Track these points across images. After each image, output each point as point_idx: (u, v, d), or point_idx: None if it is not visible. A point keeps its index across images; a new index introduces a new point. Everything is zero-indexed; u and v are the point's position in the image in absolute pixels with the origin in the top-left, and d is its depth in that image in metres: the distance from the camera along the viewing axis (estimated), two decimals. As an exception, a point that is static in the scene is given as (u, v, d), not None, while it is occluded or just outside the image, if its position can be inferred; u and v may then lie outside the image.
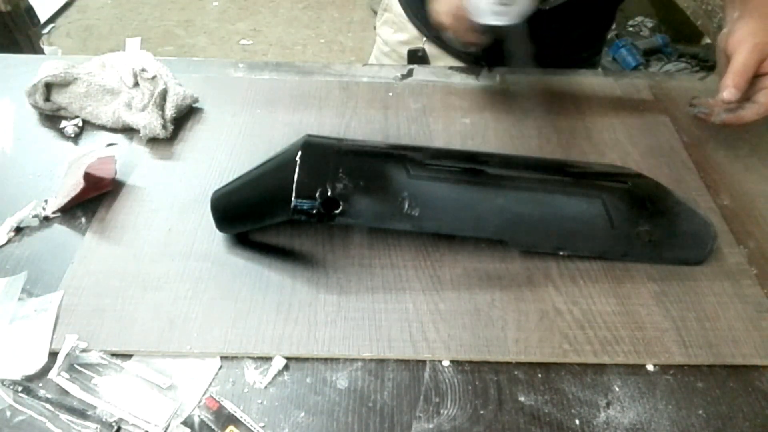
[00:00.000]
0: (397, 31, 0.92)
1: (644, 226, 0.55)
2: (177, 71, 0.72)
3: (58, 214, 0.58)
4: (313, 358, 0.47)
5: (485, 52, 0.79)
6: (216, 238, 0.56)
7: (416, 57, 0.88)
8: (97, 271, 0.53)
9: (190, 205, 0.59)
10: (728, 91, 0.59)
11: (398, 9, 0.91)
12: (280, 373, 0.46)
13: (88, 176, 0.56)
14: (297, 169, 0.49)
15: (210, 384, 0.45)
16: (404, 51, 0.90)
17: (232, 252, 0.55)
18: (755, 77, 0.60)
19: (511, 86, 0.77)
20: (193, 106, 0.70)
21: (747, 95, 0.61)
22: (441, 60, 0.88)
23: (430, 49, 0.88)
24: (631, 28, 2.42)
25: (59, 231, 0.57)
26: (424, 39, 0.88)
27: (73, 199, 0.57)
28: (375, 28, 1.00)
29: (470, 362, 0.48)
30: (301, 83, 0.76)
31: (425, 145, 0.67)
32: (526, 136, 0.69)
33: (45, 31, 2.53)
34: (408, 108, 0.73)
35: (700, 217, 0.57)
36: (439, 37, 0.87)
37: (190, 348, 0.47)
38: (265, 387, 0.46)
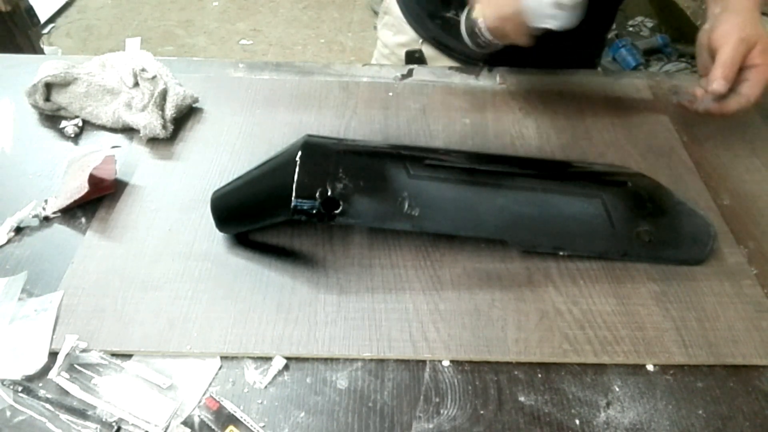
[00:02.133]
0: (396, 34, 0.92)
1: (644, 226, 0.55)
2: (177, 71, 0.72)
3: (58, 214, 0.58)
4: (313, 358, 0.47)
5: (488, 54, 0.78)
6: (216, 238, 0.56)
7: (413, 58, 0.88)
8: (97, 271, 0.53)
9: (190, 205, 0.59)
10: (718, 83, 0.60)
11: (397, 11, 0.91)
12: (280, 373, 0.46)
13: (91, 178, 0.56)
14: (297, 169, 0.49)
15: (210, 384, 0.46)
16: (403, 53, 0.91)
17: (232, 252, 0.55)
18: (739, 70, 0.61)
19: (511, 86, 0.77)
20: (193, 106, 0.70)
21: (730, 87, 0.62)
22: (438, 61, 0.88)
23: (427, 50, 0.89)
24: (631, 28, 2.43)
25: (59, 231, 0.57)
26: (421, 41, 0.88)
27: (75, 202, 0.57)
28: (376, 30, 1.00)
29: (470, 362, 0.48)
30: (301, 83, 0.76)
31: (425, 145, 0.67)
32: (526, 136, 0.69)
33: (45, 31, 2.53)
34: (408, 108, 0.73)
35: (700, 217, 0.57)
36: (435, 38, 0.87)
37: (190, 348, 0.47)
38: (265, 387, 0.46)
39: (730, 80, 0.60)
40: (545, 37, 0.61)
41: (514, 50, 0.64)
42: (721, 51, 0.60)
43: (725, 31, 0.61)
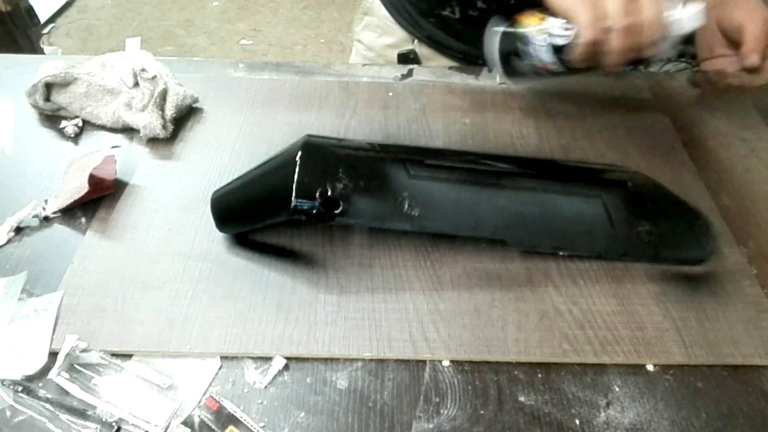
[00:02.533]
0: (382, 35, 0.89)
1: (644, 226, 0.55)
2: (177, 71, 0.72)
3: (58, 214, 0.58)
4: (313, 358, 0.47)
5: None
6: (216, 238, 0.56)
7: (408, 60, 0.87)
8: (97, 271, 0.53)
9: (190, 205, 0.59)
10: (753, 57, 0.63)
11: (382, 12, 0.88)
12: (280, 373, 0.46)
13: (91, 178, 0.56)
14: (297, 169, 0.49)
15: (210, 384, 0.46)
16: (391, 54, 0.88)
17: (232, 252, 0.55)
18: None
19: (511, 86, 0.77)
20: (193, 106, 0.70)
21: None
22: (433, 61, 0.87)
23: (421, 50, 0.87)
24: (631, 28, 2.42)
25: (59, 231, 0.57)
26: (415, 41, 0.86)
27: (75, 202, 0.57)
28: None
29: (470, 362, 0.48)
30: (301, 83, 0.76)
31: (425, 145, 0.67)
32: (526, 136, 0.69)
33: (45, 31, 2.53)
34: (408, 108, 0.73)
35: (700, 217, 0.57)
36: (430, 37, 0.86)
37: (190, 348, 0.47)
38: (265, 387, 0.46)
39: (762, 54, 0.62)
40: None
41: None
42: (749, 28, 0.62)
43: (748, 10, 0.63)
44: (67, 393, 0.44)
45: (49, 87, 0.67)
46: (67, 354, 0.46)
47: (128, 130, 0.67)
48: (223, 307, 0.50)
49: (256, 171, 0.55)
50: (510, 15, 0.61)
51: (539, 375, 0.47)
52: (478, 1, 0.78)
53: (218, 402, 0.44)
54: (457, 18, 0.81)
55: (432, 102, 0.74)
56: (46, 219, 0.57)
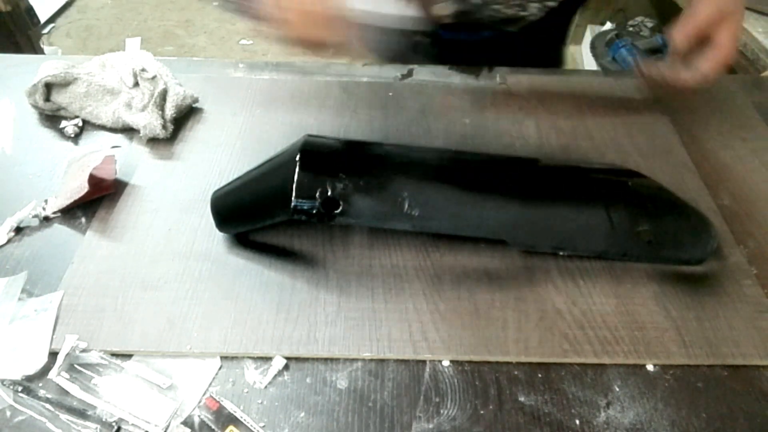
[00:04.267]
0: None
1: (644, 226, 0.55)
2: (177, 71, 0.72)
3: (58, 214, 0.58)
4: (313, 358, 0.47)
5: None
6: (216, 238, 0.56)
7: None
8: (97, 271, 0.53)
9: (190, 205, 0.59)
10: (677, 33, 0.58)
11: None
12: (280, 373, 0.46)
13: (91, 178, 0.56)
14: (297, 169, 0.49)
15: (210, 384, 0.46)
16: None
17: (232, 252, 0.55)
18: (700, 43, 0.59)
19: (511, 86, 0.77)
20: (193, 106, 0.70)
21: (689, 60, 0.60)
22: None
23: None
24: (631, 28, 2.42)
25: (59, 231, 0.57)
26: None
27: (75, 202, 0.57)
28: None
29: (470, 362, 0.48)
30: (301, 83, 0.76)
31: (425, 145, 0.67)
32: (526, 136, 0.69)
33: (45, 31, 2.53)
34: (408, 108, 0.73)
35: (700, 217, 0.57)
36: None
37: (190, 348, 0.47)
38: (265, 387, 0.46)
39: (688, 37, 0.58)
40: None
41: (469, 48, 0.62)
42: (693, 7, 0.58)
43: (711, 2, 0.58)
44: (67, 393, 0.44)
45: (49, 87, 0.67)
46: (67, 354, 0.46)
47: (128, 130, 0.67)
48: (223, 307, 0.50)
49: (256, 171, 0.55)
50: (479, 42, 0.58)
51: (539, 375, 0.47)
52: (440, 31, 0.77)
53: (218, 402, 0.44)
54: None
55: (432, 102, 0.74)
56: (46, 219, 0.57)
